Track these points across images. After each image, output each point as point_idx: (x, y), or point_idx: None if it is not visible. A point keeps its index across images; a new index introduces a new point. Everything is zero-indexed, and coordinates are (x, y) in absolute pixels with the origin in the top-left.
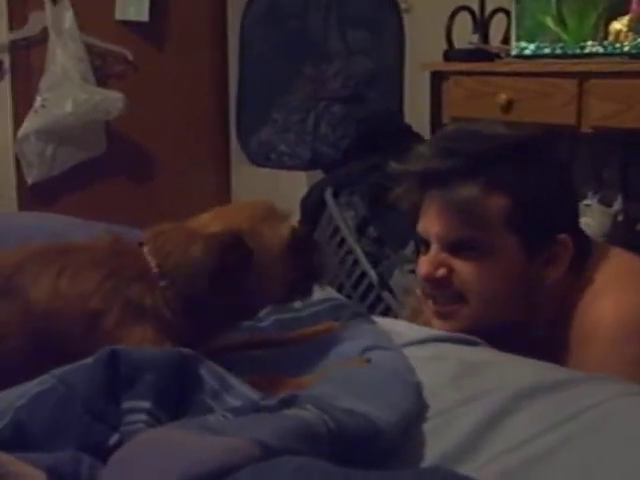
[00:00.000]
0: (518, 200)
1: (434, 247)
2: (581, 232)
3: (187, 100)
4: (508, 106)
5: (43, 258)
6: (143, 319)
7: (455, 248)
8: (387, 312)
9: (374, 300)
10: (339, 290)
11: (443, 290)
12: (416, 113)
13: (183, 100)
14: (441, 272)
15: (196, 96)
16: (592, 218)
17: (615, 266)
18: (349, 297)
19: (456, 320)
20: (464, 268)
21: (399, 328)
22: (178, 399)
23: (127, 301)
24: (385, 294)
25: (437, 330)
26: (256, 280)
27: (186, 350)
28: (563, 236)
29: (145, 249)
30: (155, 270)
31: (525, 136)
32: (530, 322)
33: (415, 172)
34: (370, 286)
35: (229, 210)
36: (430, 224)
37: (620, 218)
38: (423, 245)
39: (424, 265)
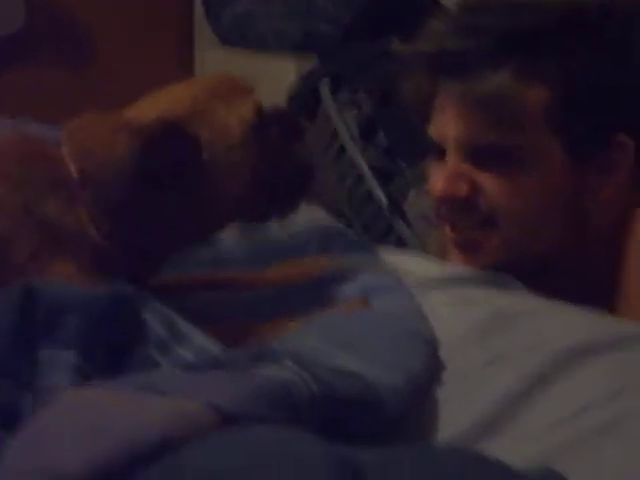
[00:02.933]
0: (563, 90)
1: (452, 156)
2: None
3: None
4: None
5: None
6: (62, 248)
7: (480, 157)
8: (399, 245)
9: (383, 230)
10: (336, 216)
11: (465, 213)
12: None
13: None
14: (463, 189)
15: None
16: None
17: None
18: (350, 225)
19: (482, 251)
20: (493, 184)
21: (411, 264)
22: (113, 350)
23: (41, 223)
24: (397, 222)
25: (457, 265)
26: (211, 180)
27: (124, 287)
28: (622, 136)
29: (63, 150)
30: (75, 177)
31: (572, 3)
32: (581, 255)
33: (425, 54)
34: (378, 211)
35: (172, 90)
36: (446, 126)
37: None
38: (437, 153)
39: (439, 180)
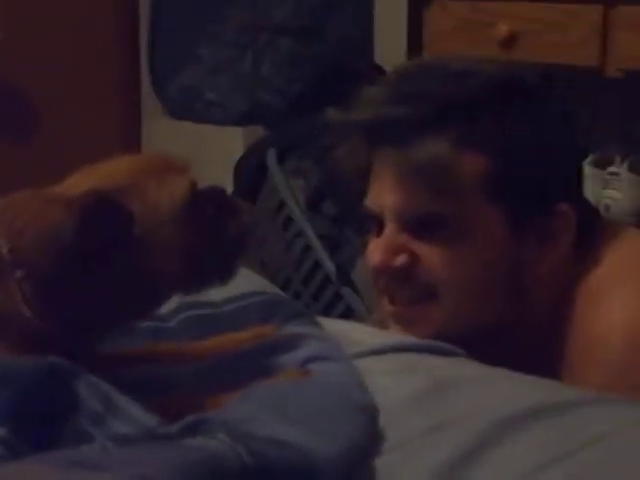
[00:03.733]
0: (501, 158)
1: (390, 226)
2: (584, 202)
3: (82, 26)
4: (510, 41)
5: None
6: None
7: (418, 227)
8: (348, 314)
9: (331, 298)
10: (284, 286)
11: (403, 284)
12: (389, 50)
13: (77, 26)
14: (401, 260)
15: (95, 21)
16: (620, 190)
17: (629, 253)
18: (298, 295)
19: (423, 325)
20: (432, 254)
21: (353, 333)
22: (45, 424)
23: None
24: (345, 290)
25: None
26: (144, 255)
27: (58, 359)
28: (563, 205)
29: None
30: (6, 255)
31: (510, 73)
32: (520, 324)
33: (361, 122)
34: (326, 280)
35: (106, 166)
36: (383, 195)
37: None
38: (375, 223)
39: (377, 251)
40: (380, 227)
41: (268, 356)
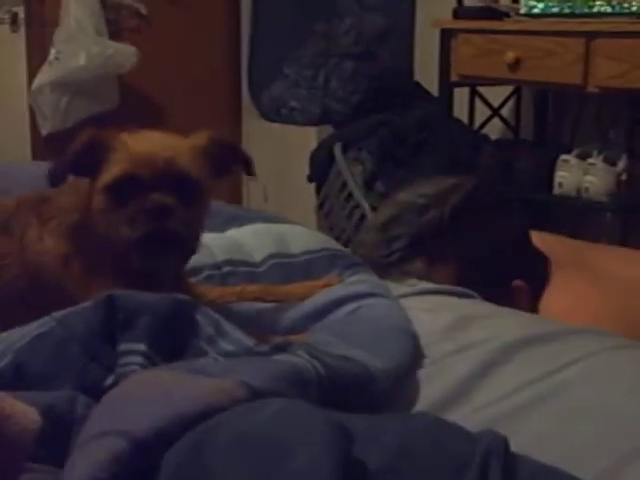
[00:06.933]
0: (465, 263)
1: None
2: (532, 255)
3: (199, 54)
4: (516, 64)
5: (30, 204)
6: (102, 266)
7: None
8: None
9: None
10: (346, 245)
11: None
12: (425, 70)
13: (195, 54)
14: None
15: (208, 50)
16: (596, 177)
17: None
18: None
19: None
20: None
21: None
22: (174, 343)
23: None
24: None
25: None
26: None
27: (182, 296)
28: (517, 282)
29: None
30: None
31: (453, 203)
32: None
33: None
34: None
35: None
36: None
37: (624, 177)
38: None
39: None
40: None
41: (337, 302)
